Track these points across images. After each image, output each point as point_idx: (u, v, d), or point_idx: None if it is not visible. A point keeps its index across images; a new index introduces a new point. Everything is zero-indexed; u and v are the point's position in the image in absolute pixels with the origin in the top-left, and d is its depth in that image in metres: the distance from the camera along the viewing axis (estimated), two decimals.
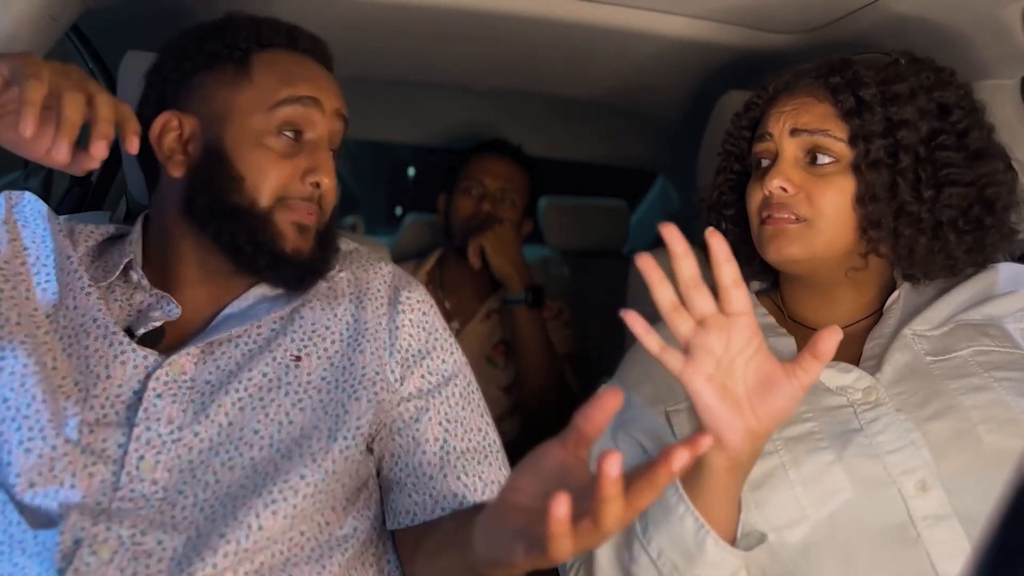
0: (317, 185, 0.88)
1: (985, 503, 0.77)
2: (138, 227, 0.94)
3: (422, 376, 0.91)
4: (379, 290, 0.95)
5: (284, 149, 0.88)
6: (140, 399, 0.81)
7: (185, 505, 0.78)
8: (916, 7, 1.06)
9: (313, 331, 0.89)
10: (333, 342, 0.89)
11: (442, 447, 0.89)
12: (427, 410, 0.90)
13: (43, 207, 0.91)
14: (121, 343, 0.83)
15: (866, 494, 0.80)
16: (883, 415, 0.84)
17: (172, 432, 0.80)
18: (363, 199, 4.79)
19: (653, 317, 1.18)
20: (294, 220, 0.88)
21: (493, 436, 0.94)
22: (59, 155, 0.68)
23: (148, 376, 0.82)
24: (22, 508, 0.78)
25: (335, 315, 0.91)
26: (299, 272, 0.89)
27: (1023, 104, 1.12)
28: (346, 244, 1.01)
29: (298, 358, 0.87)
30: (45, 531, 0.76)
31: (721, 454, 0.71)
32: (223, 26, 0.92)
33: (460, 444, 0.90)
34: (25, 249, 0.87)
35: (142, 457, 0.79)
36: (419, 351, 0.92)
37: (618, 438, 0.93)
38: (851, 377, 0.87)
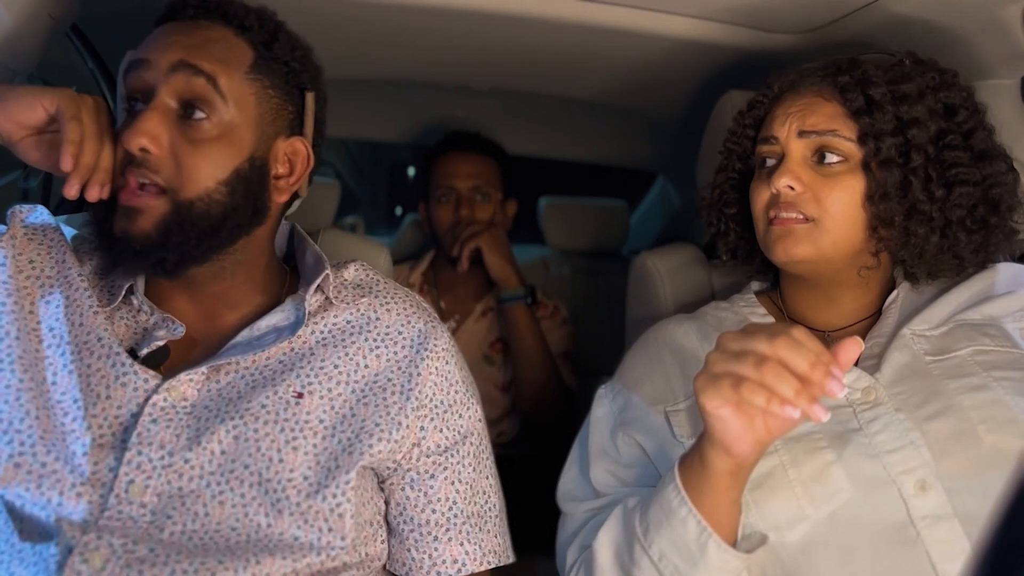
0: (128, 152, 0.81)
1: (985, 503, 0.77)
2: None
3: (440, 431, 0.89)
4: (401, 333, 0.91)
5: (129, 121, 0.83)
6: (136, 422, 0.80)
7: (173, 531, 0.77)
8: (916, 7, 1.06)
9: (321, 368, 0.86)
10: (339, 383, 0.86)
11: (451, 508, 0.88)
12: (444, 468, 0.88)
13: (52, 221, 0.91)
14: (124, 364, 0.82)
15: (866, 494, 0.80)
16: (882, 415, 0.84)
17: (163, 457, 0.79)
18: (363, 199, 4.79)
19: (652, 317, 1.18)
20: (120, 205, 0.82)
21: (495, 500, 0.93)
22: (70, 192, 0.79)
23: (147, 399, 0.81)
24: (18, 520, 0.78)
25: (347, 354, 0.88)
26: (135, 259, 0.82)
27: (1023, 104, 1.12)
28: (368, 273, 0.97)
29: (300, 395, 0.84)
30: (40, 543, 0.76)
31: (727, 459, 0.72)
32: None
33: (468, 508, 0.89)
34: (31, 262, 0.87)
35: (132, 481, 0.78)
36: (441, 403, 0.89)
37: (617, 438, 0.93)
38: (850, 377, 0.87)
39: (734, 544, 0.76)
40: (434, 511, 0.87)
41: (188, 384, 0.82)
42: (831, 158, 0.90)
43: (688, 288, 1.23)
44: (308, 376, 0.85)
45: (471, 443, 0.91)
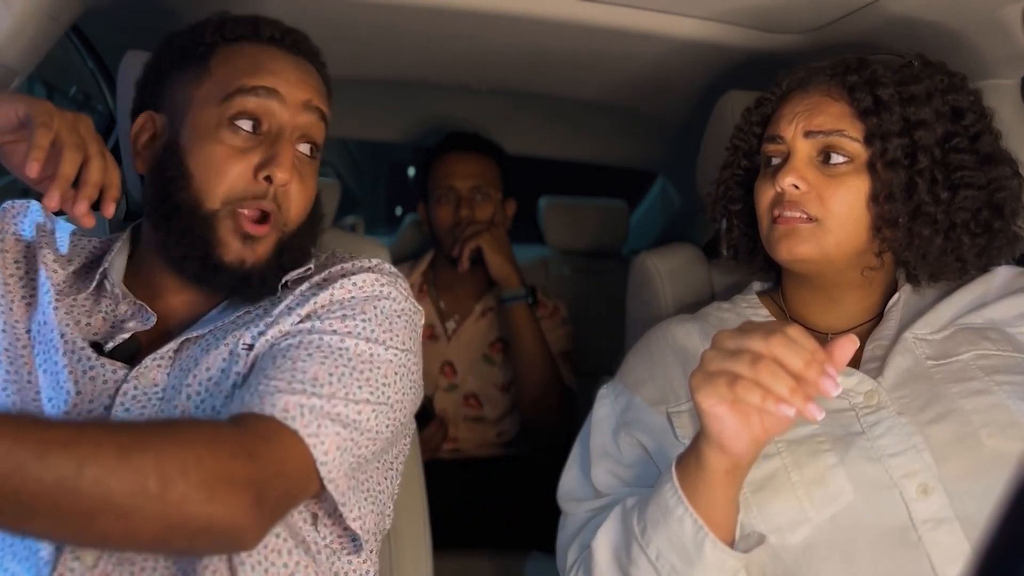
0: (270, 180, 0.83)
1: (986, 507, 0.77)
2: (125, 235, 0.92)
3: (301, 322, 0.81)
4: (338, 269, 0.88)
5: (240, 144, 0.83)
6: (110, 414, 0.79)
7: None
8: (916, 7, 1.06)
9: (271, 317, 0.83)
10: (289, 324, 0.82)
11: (268, 373, 0.76)
12: (274, 347, 0.79)
13: (41, 219, 0.91)
14: (89, 358, 0.82)
15: (867, 497, 0.80)
16: (885, 418, 0.84)
17: None
18: (363, 199, 4.79)
19: (652, 317, 1.18)
20: (239, 229, 0.83)
21: (319, 389, 0.75)
22: (49, 203, 0.74)
23: (119, 390, 0.81)
24: None
25: (293, 303, 0.85)
26: (234, 282, 0.83)
27: (1023, 104, 1.12)
28: (335, 254, 0.95)
29: (251, 346, 0.81)
30: (31, 539, 0.76)
31: (723, 458, 0.71)
32: (195, 26, 0.91)
33: (279, 383, 0.74)
34: (15, 262, 0.88)
35: None
36: (322, 307, 0.82)
37: (619, 438, 0.93)
38: (853, 380, 0.87)
39: (731, 543, 0.76)
40: (249, 386, 0.76)
41: (156, 370, 0.82)
42: (836, 158, 0.90)
43: (688, 288, 1.23)
44: (259, 327, 0.82)
45: (329, 340, 0.79)
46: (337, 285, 0.84)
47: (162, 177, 0.84)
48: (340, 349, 0.79)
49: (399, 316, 0.86)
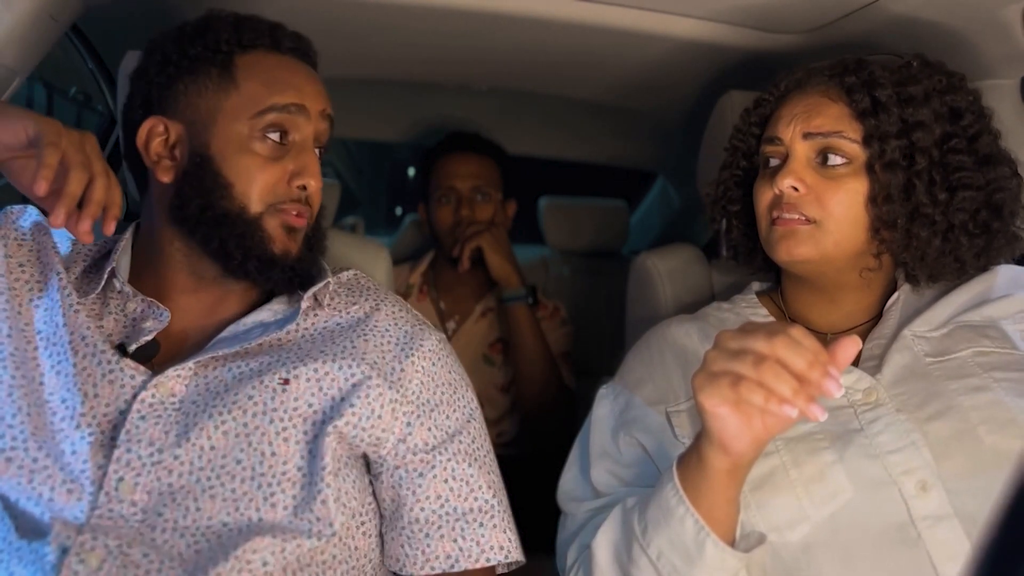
0: (304, 188, 0.89)
1: (985, 503, 0.78)
2: (127, 235, 0.93)
3: (429, 429, 0.88)
4: (389, 331, 0.92)
5: (270, 152, 0.88)
6: (125, 419, 0.80)
7: (165, 528, 0.78)
8: (916, 7, 1.06)
9: (308, 354, 0.87)
10: (325, 362, 0.86)
11: (442, 506, 0.87)
12: (434, 466, 0.88)
13: (42, 221, 0.92)
14: (110, 361, 0.83)
15: (867, 494, 0.80)
16: (883, 415, 0.84)
17: (152, 454, 0.80)
18: (363, 199, 4.79)
19: (652, 317, 1.18)
20: (284, 223, 0.89)
21: (496, 496, 0.91)
22: (56, 221, 0.77)
23: (136, 396, 0.81)
24: (14, 517, 0.79)
25: (334, 343, 0.89)
26: (287, 274, 0.89)
27: (1023, 104, 1.12)
28: (361, 279, 1.00)
29: (286, 381, 0.84)
30: (37, 541, 0.77)
31: (725, 457, 0.71)
32: (204, 28, 0.91)
33: (462, 505, 0.88)
34: (20, 266, 0.88)
35: (121, 479, 0.78)
36: (427, 401, 0.89)
37: (618, 438, 0.93)
38: (852, 378, 0.87)
39: (732, 543, 0.76)
40: (423, 509, 0.87)
41: (176, 380, 0.83)
42: (835, 160, 0.90)
43: (688, 288, 1.23)
44: (294, 362, 0.86)
45: (462, 441, 0.90)
46: (417, 351, 0.91)
47: (199, 187, 0.87)
48: (474, 443, 0.92)
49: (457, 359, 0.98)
